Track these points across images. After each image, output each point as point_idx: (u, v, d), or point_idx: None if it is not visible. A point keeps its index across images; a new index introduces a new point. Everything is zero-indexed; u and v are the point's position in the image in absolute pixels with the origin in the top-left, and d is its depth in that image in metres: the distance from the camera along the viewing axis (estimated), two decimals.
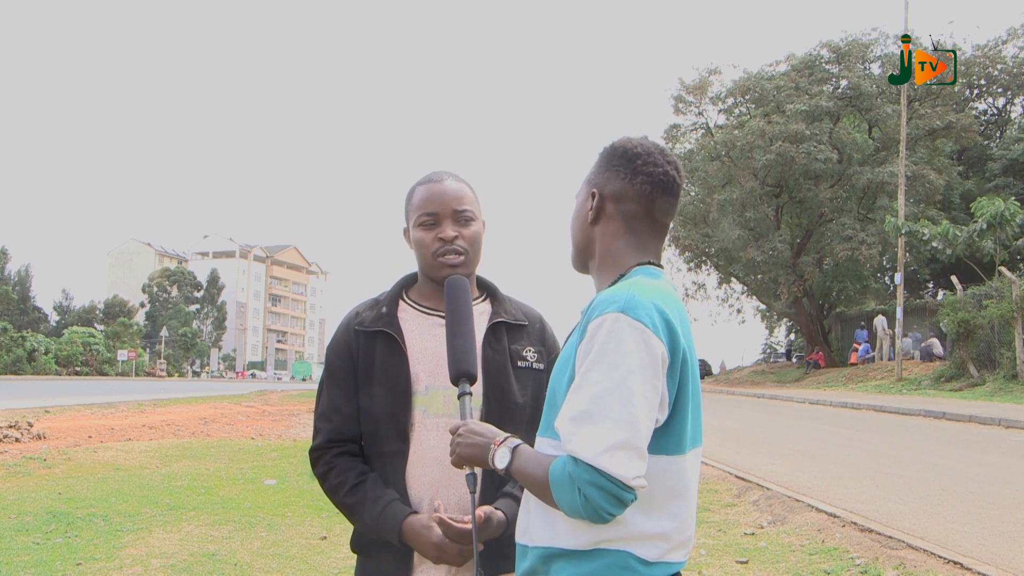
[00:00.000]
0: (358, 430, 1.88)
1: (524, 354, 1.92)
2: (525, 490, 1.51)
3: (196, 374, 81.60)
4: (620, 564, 1.40)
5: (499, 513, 1.78)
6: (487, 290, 1.99)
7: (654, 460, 1.38)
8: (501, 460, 1.47)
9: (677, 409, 1.43)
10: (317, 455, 1.90)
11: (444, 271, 1.87)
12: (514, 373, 1.89)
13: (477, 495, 1.62)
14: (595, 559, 1.41)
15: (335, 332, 1.95)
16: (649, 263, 1.56)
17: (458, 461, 1.57)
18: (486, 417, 1.82)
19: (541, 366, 1.94)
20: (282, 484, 8.42)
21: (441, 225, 1.88)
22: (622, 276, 1.53)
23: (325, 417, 1.89)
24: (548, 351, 1.97)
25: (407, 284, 2.00)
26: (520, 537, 1.54)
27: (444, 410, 1.83)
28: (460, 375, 1.69)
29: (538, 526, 1.48)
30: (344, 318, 1.96)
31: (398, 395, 1.83)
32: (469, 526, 1.71)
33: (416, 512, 1.79)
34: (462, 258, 1.88)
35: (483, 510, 1.75)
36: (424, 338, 1.88)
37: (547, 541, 1.45)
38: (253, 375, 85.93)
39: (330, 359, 1.92)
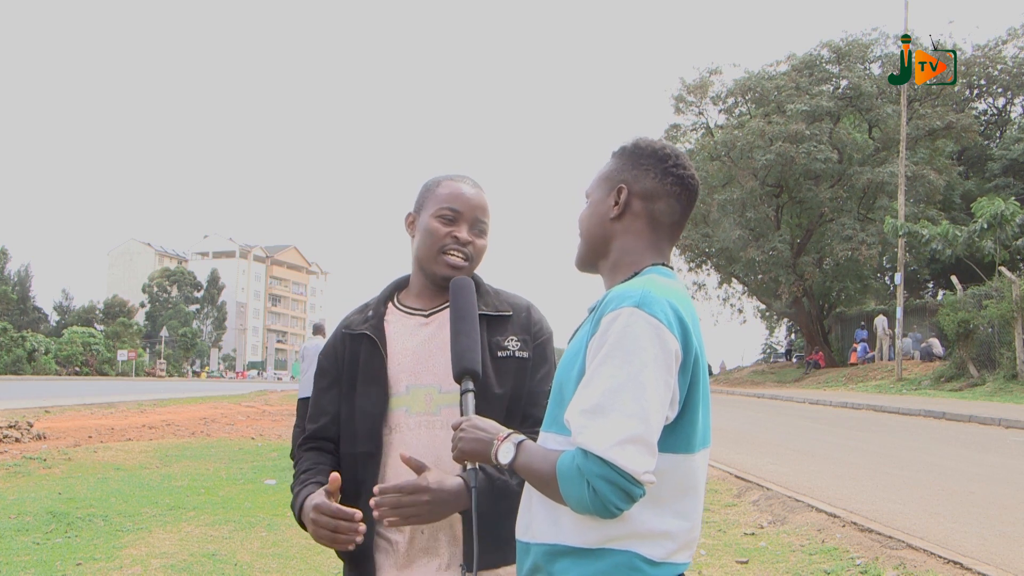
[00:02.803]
0: (336, 430, 1.91)
1: (505, 344, 1.89)
2: (526, 486, 1.51)
3: (196, 374, 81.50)
4: (626, 564, 1.39)
5: (455, 479, 1.70)
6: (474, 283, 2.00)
7: (663, 458, 1.38)
8: (505, 455, 1.47)
9: (687, 408, 1.42)
10: (296, 452, 1.97)
11: (445, 269, 1.87)
12: (492, 364, 1.85)
13: (476, 491, 1.61)
14: (601, 558, 1.40)
15: (331, 334, 2.02)
16: (662, 264, 1.56)
17: (460, 456, 1.56)
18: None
19: (525, 354, 1.90)
20: (282, 484, 8.42)
21: (459, 225, 1.88)
22: (636, 275, 1.53)
23: (312, 419, 1.94)
24: (533, 338, 1.93)
25: (398, 288, 2.01)
26: (522, 534, 1.53)
27: (426, 408, 1.83)
28: (463, 373, 1.69)
29: (541, 522, 1.47)
30: (340, 322, 2.01)
31: (376, 396, 1.84)
32: (343, 507, 1.70)
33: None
34: (466, 263, 1.89)
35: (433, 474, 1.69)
36: (405, 338, 1.89)
37: (551, 538, 1.45)
38: (258, 373, 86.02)
39: (320, 362, 1.97)
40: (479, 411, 1.71)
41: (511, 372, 1.88)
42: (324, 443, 1.91)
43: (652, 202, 1.57)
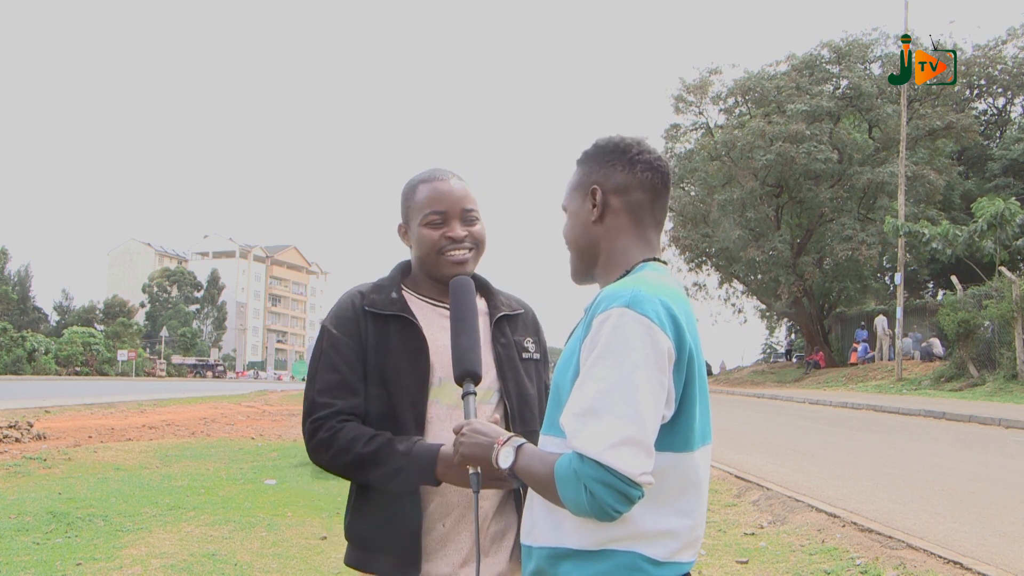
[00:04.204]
0: (364, 411, 1.81)
1: (526, 345, 1.95)
2: (529, 490, 1.50)
3: (200, 374, 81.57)
4: (629, 565, 1.39)
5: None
6: (480, 285, 1.98)
7: (661, 457, 1.37)
8: (505, 459, 1.47)
9: (684, 406, 1.42)
10: (321, 422, 1.78)
11: (450, 269, 1.86)
12: (522, 365, 1.92)
13: (479, 495, 1.61)
14: (603, 560, 1.40)
15: (338, 312, 1.87)
16: (654, 259, 1.55)
17: (462, 460, 1.56)
18: (511, 413, 1.84)
19: (538, 356, 1.97)
20: (282, 484, 8.42)
21: (450, 224, 1.87)
22: (628, 273, 1.52)
23: (332, 392, 1.79)
24: (540, 341, 2.01)
25: (403, 273, 1.98)
26: (525, 538, 1.53)
27: (456, 401, 1.81)
28: (465, 375, 1.67)
29: (543, 526, 1.47)
30: (345, 298, 1.89)
31: (419, 381, 1.81)
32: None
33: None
34: (470, 254, 1.88)
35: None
36: (434, 329, 1.87)
37: (553, 541, 1.44)
38: (255, 374, 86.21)
39: (335, 336, 1.83)
40: (521, 413, 1.78)
41: (534, 374, 1.93)
42: (357, 420, 1.80)
43: (628, 194, 1.56)
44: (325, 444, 1.77)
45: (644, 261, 1.54)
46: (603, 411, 1.32)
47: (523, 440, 1.49)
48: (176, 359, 76.94)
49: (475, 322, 1.75)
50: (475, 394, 1.66)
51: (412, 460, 1.71)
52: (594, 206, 1.57)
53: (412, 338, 1.83)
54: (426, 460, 1.70)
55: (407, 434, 1.79)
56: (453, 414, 1.81)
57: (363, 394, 1.81)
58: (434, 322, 1.88)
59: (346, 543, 1.93)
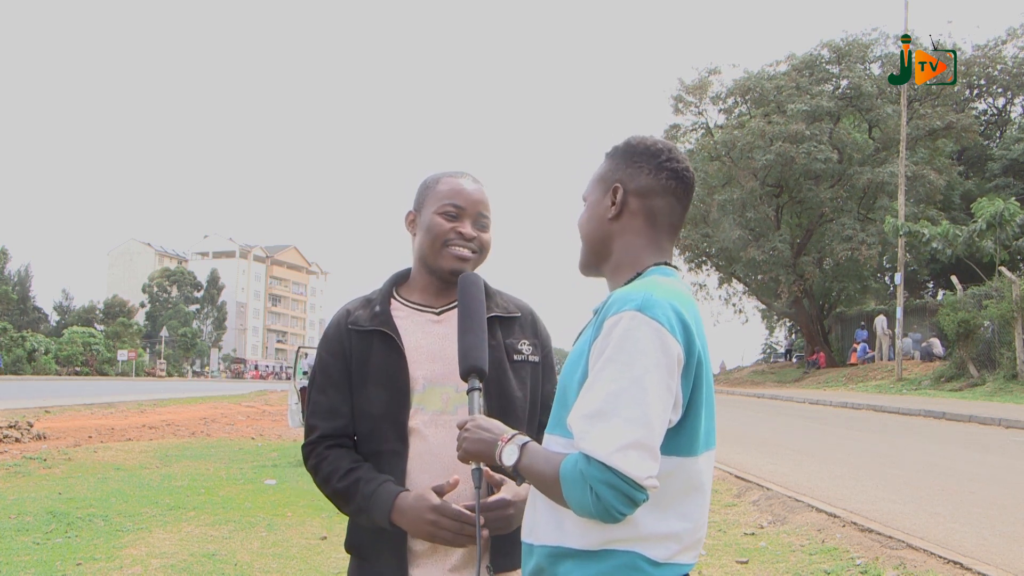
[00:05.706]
0: (353, 429, 1.87)
1: (519, 347, 1.92)
2: (532, 488, 1.50)
3: (197, 374, 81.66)
4: (629, 565, 1.39)
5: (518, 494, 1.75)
6: None
7: (666, 461, 1.38)
8: (509, 457, 1.46)
9: (691, 411, 1.42)
10: (310, 449, 1.88)
11: (450, 263, 1.87)
12: (511, 367, 1.89)
13: (483, 491, 1.61)
14: (604, 560, 1.40)
15: (326, 331, 1.94)
16: (665, 263, 1.55)
17: (464, 456, 1.56)
18: (488, 413, 1.80)
19: (536, 359, 1.94)
20: (282, 484, 8.42)
21: (462, 221, 1.89)
22: (638, 275, 1.52)
23: (320, 415, 1.87)
24: (541, 344, 1.97)
25: (397, 282, 1.99)
26: (526, 535, 1.53)
27: (443, 407, 1.82)
28: (470, 371, 1.67)
29: (545, 524, 1.47)
30: (335, 316, 1.95)
31: (397, 394, 1.82)
32: (464, 509, 1.70)
33: (409, 491, 1.76)
34: (473, 255, 1.89)
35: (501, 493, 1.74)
36: (419, 336, 1.87)
37: (554, 540, 1.45)
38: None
39: (323, 358, 1.90)
40: (502, 415, 1.73)
41: (527, 377, 1.91)
42: (344, 440, 1.86)
43: (649, 199, 1.56)
44: (313, 471, 1.89)
45: (655, 265, 1.54)
46: (612, 414, 1.33)
47: (527, 438, 1.49)
48: (262, 362, 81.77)
49: (482, 319, 1.76)
50: (480, 390, 1.66)
51: (372, 503, 1.76)
52: (613, 203, 1.57)
53: (391, 351, 1.84)
54: (384, 505, 1.74)
55: (390, 447, 1.81)
56: (440, 419, 1.82)
57: (349, 415, 1.86)
58: (420, 328, 1.89)
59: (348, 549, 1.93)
